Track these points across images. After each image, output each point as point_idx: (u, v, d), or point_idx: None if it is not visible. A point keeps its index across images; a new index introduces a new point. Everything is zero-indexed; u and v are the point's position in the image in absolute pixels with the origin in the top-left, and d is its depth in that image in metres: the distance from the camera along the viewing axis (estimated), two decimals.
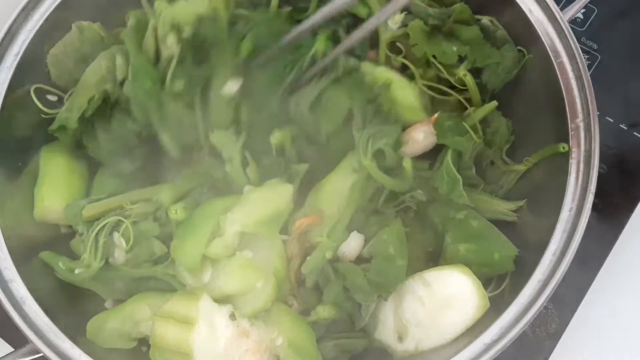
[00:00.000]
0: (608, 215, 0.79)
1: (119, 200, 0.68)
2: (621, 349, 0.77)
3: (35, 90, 0.70)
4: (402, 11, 0.72)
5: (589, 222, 0.62)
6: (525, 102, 0.72)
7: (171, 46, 0.66)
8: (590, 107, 0.65)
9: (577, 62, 0.66)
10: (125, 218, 0.67)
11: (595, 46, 0.87)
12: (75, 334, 0.63)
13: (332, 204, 0.68)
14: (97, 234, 0.67)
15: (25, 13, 0.68)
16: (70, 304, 0.68)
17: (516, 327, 0.60)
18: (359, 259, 0.68)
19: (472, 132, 0.69)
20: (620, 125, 0.84)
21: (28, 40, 0.68)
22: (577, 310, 0.76)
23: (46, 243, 0.70)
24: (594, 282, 0.77)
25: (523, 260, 0.66)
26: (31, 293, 0.63)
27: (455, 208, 0.69)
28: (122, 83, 0.68)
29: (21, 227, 0.68)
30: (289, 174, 0.70)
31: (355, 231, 0.68)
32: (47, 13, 0.68)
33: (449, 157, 0.69)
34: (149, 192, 0.69)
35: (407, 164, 0.67)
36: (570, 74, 0.66)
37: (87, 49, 0.71)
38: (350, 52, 0.73)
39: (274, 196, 0.67)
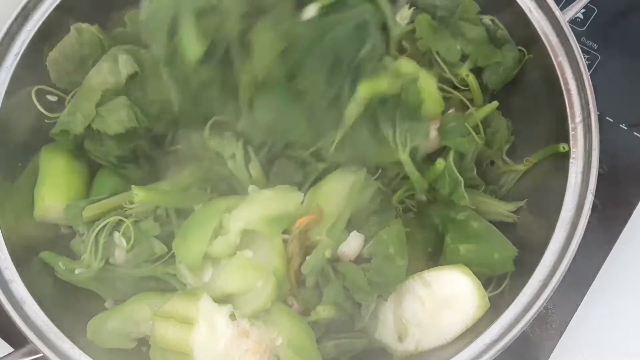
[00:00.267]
0: (608, 215, 0.79)
1: (119, 200, 0.68)
2: (621, 349, 0.77)
3: (36, 91, 0.71)
4: (410, 6, 0.72)
5: (589, 222, 0.62)
6: (525, 102, 0.72)
7: None
8: (590, 107, 0.65)
9: (577, 62, 0.66)
10: (125, 217, 0.67)
11: (595, 46, 0.87)
12: (75, 334, 0.63)
13: (331, 203, 0.68)
14: (97, 234, 0.67)
15: (25, 13, 0.68)
16: (70, 304, 0.68)
17: (516, 327, 0.60)
18: (359, 259, 0.68)
19: (474, 133, 0.69)
20: (620, 125, 0.84)
21: (28, 40, 0.68)
22: (577, 310, 0.76)
23: (46, 243, 0.70)
24: (594, 282, 0.77)
25: (523, 260, 0.66)
26: (31, 293, 0.63)
27: (455, 209, 0.69)
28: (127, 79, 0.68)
29: (21, 227, 0.68)
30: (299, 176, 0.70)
31: (355, 231, 0.68)
32: (47, 13, 0.68)
33: (450, 158, 0.69)
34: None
35: (441, 164, 0.67)
36: (570, 74, 0.66)
37: (86, 51, 0.71)
38: None
39: (283, 198, 0.67)
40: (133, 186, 0.66)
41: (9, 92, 0.67)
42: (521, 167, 0.71)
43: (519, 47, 0.72)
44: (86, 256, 0.67)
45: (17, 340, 0.74)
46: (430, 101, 0.70)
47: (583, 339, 0.77)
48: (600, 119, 0.67)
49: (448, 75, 0.72)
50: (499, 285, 0.68)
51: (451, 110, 0.73)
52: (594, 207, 0.63)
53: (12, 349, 0.72)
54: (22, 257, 0.65)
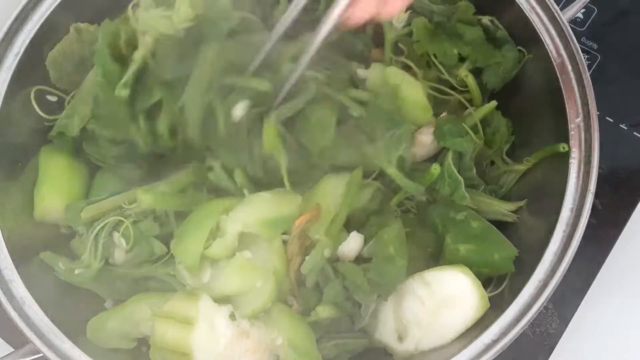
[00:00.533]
0: (608, 215, 0.79)
1: (118, 200, 0.68)
2: (621, 349, 0.77)
3: (36, 91, 0.70)
4: (407, 10, 0.72)
5: (589, 222, 0.62)
6: (525, 102, 0.72)
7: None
8: (590, 107, 0.65)
9: (577, 62, 0.66)
10: (125, 218, 0.67)
11: (595, 46, 0.87)
12: (75, 334, 0.63)
13: (329, 200, 0.68)
14: (96, 235, 0.67)
15: (25, 13, 0.68)
16: (70, 304, 0.68)
17: (516, 327, 0.60)
18: (359, 259, 0.68)
19: (472, 133, 0.69)
20: (620, 125, 0.84)
21: (28, 41, 0.68)
22: (577, 310, 0.76)
23: (46, 243, 0.70)
24: (594, 282, 0.77)
25: (523, 260, 0.66)
26: (31, 293, 0.63)
27: (455, 209, 0.69)
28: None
29: (21, 227, 0.68)
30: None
31: (354, 231, 0.68)
32: (47, 13, 0.68)
33: (449, 159, 0.69)
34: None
35: (436, 169, 0.67)
36: (570, 74, 0.66)
37: (85, 52, 0.71)
38: (351, 55, 0.74)
39: (282, 201, 0.67)
40: (139, 190, 0.66)
41: (8, 92, 0.67)
42: (521, 167, 0.71)
43: (519, 47, 0.72)
44: (86, 256, 0.67)
45: (17, 340, 0.74)
46: (417, 109, 0.71)
47: (583, 339, 0.77)
48: (600, 119, 0.67)
49: (446, 77, 0.72)
50: (499, 285, 0.68)
51: (444, 114, 0.73)
52: (594, 207, 0.63)
53: (12, 349, 0.72)
54: (22, 257, 0.65)
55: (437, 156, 0.73)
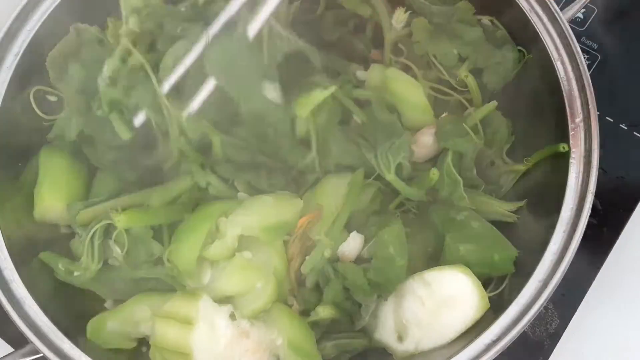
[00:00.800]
0: (608, 215, 0.79)
1: (110, 205, 0.68)
2: (621, 349, 0.77)
3: (35, 91, 0.70)
4: (406, 10, 0.72)
5: (589, 222, 0.62)
6: (525, 102, 0.72)
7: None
8: (590, 107, 0.65)
9: (577, 62, 0.66)
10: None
11: (595, 46, 0.87)
12: (75, 334, 0.63)
13: (330, 201, 0.68)
14: (92, 237, 0.66)
15: (25, 13, 0.68)
16: (70, 304, 0.68)
17: (516, 327, 0.60)
18: (359, 259, 0.68)
19: (472, 133, 0.69)
20: (620, 125, 0.84)
21: (28, 40, 0.68)
22: (577, 310, 0.76)
23: (46, 243, 0.70)
24: (594, 282, 0.77)
25: (523, 260, 0.66)
26: (31, 293, 0.63)
27: (455, 209, 0.69)
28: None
29: (21, 227, 0.68)
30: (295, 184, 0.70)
31: (354, 231, 0.68)
32: (47, 13, 0.68)
33: (449, 159, 0.69)
34: (140, 196, 0.69)
35: (435, 174, 0.67)
36: (570, 74, 0.66)
37: (85, 52, 0.71)
38: (350, 56, 0.74)
39: (283, 206, 0.67)
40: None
41: (8, 92, 0.67)
42: (521, 167, 0.71)
43: (519, 47, 0.72)
44: (84, 258, 0.67)
45: (17, 340, 0.74)
46: (418, 110, 0.71)
47: (583, 339, 0.77)
48: (600, 119, 0.67)
49: (446, 77, 0.72)
50: (499, 285, 0.68)
51: (444, 114, 0.73)
52: (594, 207, 0.63)
53: (12, 349, 0.72)
54: (22, 257, 0.65)
55: (438, 156, 0.73)
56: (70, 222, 0.70)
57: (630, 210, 0.80)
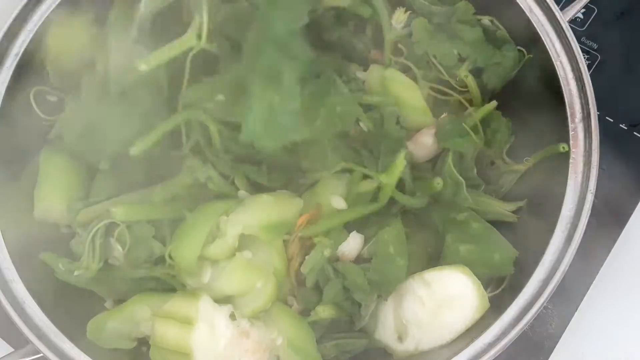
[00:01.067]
0: (608, 215, 0.79)
1: (110, 205, 0.68)
2: (621, 349, 0.77)
3: (35, 91, 0.70)
4: (406, 10, 0.72)
5: (589, 222, 0.62)
6: (525, 102, 0.72)
7: None
8: (590, 107, 0.65)
9: (577, 62, 0.66)
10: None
11: (595, 46, 0.87)
12: (75, 334, 0.63)
13: (329, 200, 0.68)
14: (93, 237, 0.66)
15: (25, 13, 0.68)
16: (70, 304, 0.68)
17: (516, 327, 0.60)
18: (359, 259, 0.68)
19: (472, 134, 0.69)
20: (620, 125, 0.84)
21: (28, 40, 0.68)
22: (577, 310, 0.76)
23: (46, 243, 0.69)
24: (594, 282, 0.77)
25: (523, 260, 0.66)
26: (31, 293, 0.63)
27: (455, 209, 0.69)
28: None
29: (21, 227, 0.68)
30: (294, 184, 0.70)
31: (354, 231, 0.68)
32: (47, 13, 0.68)
33: (450, 160, 0.69)
34: (140, 195, 0.69)
35: (439, 184, 0.67)
36: (570, 74, 0.66)
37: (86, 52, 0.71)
38: (350, 56, 0.74)
39: (283, 205, 0.67)
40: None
41: (9, 92, 0.67)
42: (521, 167, 0.71)
43: (519, 47, 0.72)
44: (84, 258, 0.67)
45: (17, 340, 0.74)
46: (416, 112, 0.71)
47: (583, 339, 0.77)
48: (600, 119, 0.67)
49: (446, 77, 0.72)
50: (499, 285, 0.68)
51: (444, 115, 0.73)
52: (594, 207, 0.63)
53: (12, 349, 0.72)
54: (22, 257, 0.65)
55: (438, 156, 0.73)
56: (70, 222, 0.69)
57: (630, 210, 0.80)
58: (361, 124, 0.70)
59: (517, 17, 0.69)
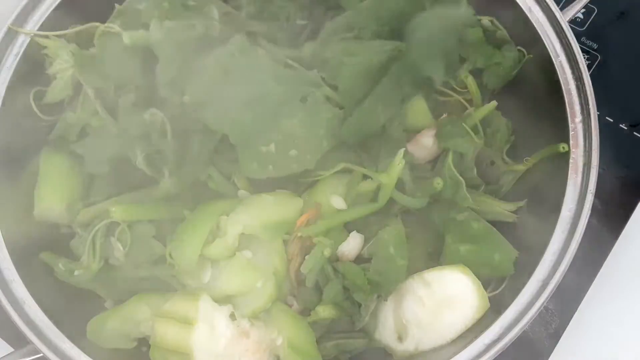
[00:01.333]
0: (608, 215, 0.79)
1: (110, 205, 0.68)
2: (621, 349, 0.77)
3: (35, 91, 0.70)
4: None
5: (589, 222, 0.62)
6: (525, 102, 0.72)
7: None
8: (590, 107, 0.65)
9: (577, 62, 0.66)
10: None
11: (595, 46, 0.87)
12: (75, 334, 0.63)
13: (328, 199, 0.68)
14: (94, 236, 0.66)
15: (25, 13, 0.68)
16: (70, 304, 0.68)
17: (516, 327, 0.60)
18: (359, 259, 0.68)
19: (472, 134, 0.69)
20: (620, 125, 0.84)
21: (28, 40, 0.68)
22: (577, 310, 0.76)
23: (46, 243, 0.70)
24: (594, 282, 0.77)
25: (523, 260, 0.66)
26: (31, 293, 0.63)
27: (455, 209, 0.69)
28: None
29: (21, 227, 0.68)
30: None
31: (354, 231, 0.68)
32: (47, 13, 0.68)
33: (450, 160, 0.69)
34: (141, 194, 0.69)
35: (439, 184, 0.67)
36: (570, 74, 0.66)
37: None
38: None
39: (283, 204, 0.67)
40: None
41: (8, 93, 0.67)
42: (521, 167, 0.71)
43: (519, 47, 0.72)
44: (85, 257, 0.67)
45: (17, 340, 0.74)
46: (416, 113, 0.71)
47: (583, 339, 0.77)
48: (600, 119, 0.67)
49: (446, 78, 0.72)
50: (499, 285, 0.68)
51: (444, 116, 0.73)
52: (594, 207, 0.63)
53: (12, 349, 0.72)
54: (22, 257, 0.65)
55: (438, 157, 0.73)
56: (70, 222, 0.70)
57: (630, 210, 0.80)
58: None
59: (517, 17, 0.69)
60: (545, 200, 0.67)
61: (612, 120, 0.84)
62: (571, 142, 0.65)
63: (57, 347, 0.61)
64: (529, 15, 0.68)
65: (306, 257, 0.67)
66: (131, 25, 0.67)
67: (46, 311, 0.62)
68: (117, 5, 0.71)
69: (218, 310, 0.63)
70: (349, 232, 0.68)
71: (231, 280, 0.65)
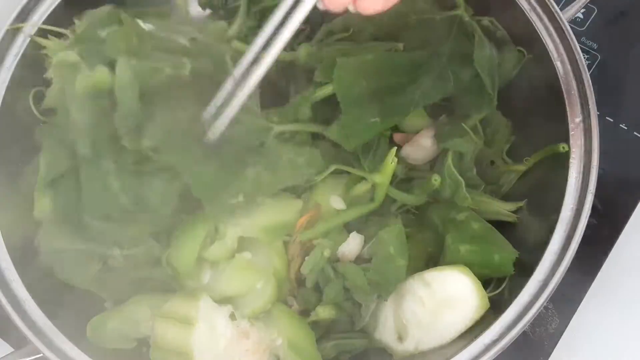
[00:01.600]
0: (608, 215, 0.79)
1: None
2: (621, 349, 0.77)
3: (36, 92, 0.70)
4: None
5: (589, 222, 0.62)
6: (525, 102, 0.72)
7: None
8: (590, 107, 0.65)
9: (577, 62, 0.66)
10: None
11: (595, 46, 0.87)
12: (76, 334, 0.63)
13: (327, 199, 0.68)
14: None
15: (25, 13, 0.68)
16: (70, 305, 0.68)
17: (516, 327, 0.60)
18: (359, 259, 0.68)
19: (472, 134, 0.69)
20: (620, 125, 0.84)
21: (28, 40, 0.68)
22: (577, 310, 0.76)
23: None
24: (594, 282, 0.77)
25: (523, 260, 0.66)
26: (31, 293, 0.63)
27: (455, 209, 0.69)
28: None
29: (21, 227, 0.68)
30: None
31: (354, 231, 0.68)
32: (47, 13, 0.68)
33: (449, 160, 0.69)
34: None
35: (437, 180, 0.67)
36: (570, 74, 0.66)
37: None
38: None
39: (282, 206, 0.67)
40: None
41: (8, 93, 0.67)
42: (521, 167, 0.71)
43: (519, 48, 0.72)
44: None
45: (17, 340, 0.74)
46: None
47: (583, 339, 0.77)
48: (600, 119, 0.67)
49: None
50: (499, 285, 0.68)
51: (443, 116, 0.73)
52: (594, 207, 0.63)
53: (12, 349, 0.72)
54: (22, 257, 0.65)
55: (437, 158, 0.73)
56: None
57: (630, 210, 0.80)
58: None
59: (517, 17, 0.69)
60: (545, 200, 0.67)
61: (612, 120, 0.83)
62: (571, 142, 0.65)
63: (57, 347, 0.61)
64: (529, 15, 0.68)
65: (306, 258, 0.67)
66: (91, 57, 0.63)
67: (46, 311, 0.62)
68: (76, 23, 0.68)
69: (218, 311, 0.63)
70: (349, 233, 0.68)
71: (231, 281, 0.65)
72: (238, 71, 0.59)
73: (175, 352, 0.62)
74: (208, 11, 0.79)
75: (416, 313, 0.65)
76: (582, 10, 0.87)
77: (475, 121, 0.71)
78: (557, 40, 0.67)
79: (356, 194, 0.68)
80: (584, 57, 0.66)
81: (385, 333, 0.67)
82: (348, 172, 0.69)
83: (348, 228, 0.69)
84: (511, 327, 0.61)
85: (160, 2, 0.74)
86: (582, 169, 0.64)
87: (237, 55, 0.62)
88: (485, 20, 0.72)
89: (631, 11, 0.89)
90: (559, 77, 0.66)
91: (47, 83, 0.71)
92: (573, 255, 0.62)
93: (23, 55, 0.68)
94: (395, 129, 0.73)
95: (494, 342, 0.61)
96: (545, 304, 0.61)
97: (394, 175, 0.69)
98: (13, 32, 0.67)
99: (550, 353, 0.76)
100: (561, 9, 0.67)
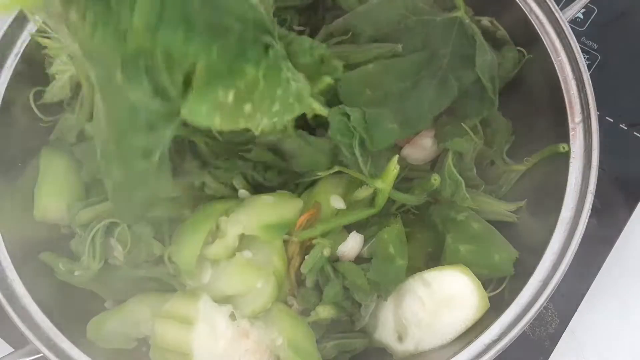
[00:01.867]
0: (608, 215, 0.79)
1: (110, 205, 0.68)
2: (621, 349, 0.77)
3: (35, 92, 0.70)
4: None
5: (589, 222, 0.62)
6: (525, 102, 0.72)
7: None
8: (590, 107, 0.65)
9: (577, 62, 0.66)
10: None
11: (595, 46, 0.87)
12: (75, 334, 0.63)
13: (328, 199, 0.68)
14: (94, 236, 0.66)
15: (25, 13, 0.68)
16: (70, 304, 0.68)
17: (516, 327, 0.60)
18: (359, 259, 0.68)
19: (471, 133, 0.69)
20: (620, 125, 0.84)
21: (28, 40, 0.68)
22: (577, 310, 0.76)
23: (46, 243, 0.70)
24: (594, 282, 0.77)
25: (523, 260, 0.66)
26: (31, 293, 0.63)
27: (455, 209, 0.69)
28: None
29: (21, 227, 0.68)
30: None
31: (354, 231, 0.68)
32: None
33: (449, 160, 0.69)
34: None
35: (436, 180, 0.67)
36: (570, 74, 0.66)
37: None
38: None
39: (283, 205, 0.67)
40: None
41: (8, 93, 0.67)
42: (521, 167, 0.71)
43: (519, 48, 0.72)
44: (85, 258, 0.67)
45: (17, 340, 0.74)
46: None
47: (583, 339, 0.77)
48: (600, 119, 0.67)
49: None
50: (499, 285, 0.68)
51: (443, 117, 0.73)
52: (594, 207, 0.63)
53: (12, 349, 0.72)
54: (22, 257, 0.65)
55: (437, 158, 0.73)
56: (70, 222, 0.70)
57: (630, 210, 0.80)
58: None
59: (517, 17, 0.69)
60: (545, 200, 0.67)
61: (612, 120, 0.84)
62: (571, 142, 0.65)
63: (57, 347, 0.61)
64: (529, 15, 0.68)
65: (306, 257, 0.67)
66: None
67: (46, 311, 0.62)
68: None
69: (218, 311, 0.63)
70: (349, 232, 0.68)
71: (231, 280, 0.65)
72: None
73: (175, 352, 0.62)
74: None
75: (416, 313, 0.65)
76: (582, 10, 0.87)
77: (475, 121, 0.71)
78: (557, 40, 0.67)
79: (357, 199, 0.68)
80: (584, 57, 0.66)
81: (385, 333, 0.67)
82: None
83: (348, 228, 0.68)
84: (511, 327, 0.61)
85: None
86: (582, 169, 0.64)
87: None
88: (485, 20, 0.72)
89: (631, 11, 0.89)
90: (559, 77, 0.66)
91: (48, 83, 0.71)
92: (573, 255, 0.62)
93: (23, 55, 0.68)
94: None
95: (494, 342, 0.61)
96: (545, 304, 0.61)
97: None
98: (13, 32, 0.67)
99: (550, 353, 0.76)
100: (561, 9, 0.67)
